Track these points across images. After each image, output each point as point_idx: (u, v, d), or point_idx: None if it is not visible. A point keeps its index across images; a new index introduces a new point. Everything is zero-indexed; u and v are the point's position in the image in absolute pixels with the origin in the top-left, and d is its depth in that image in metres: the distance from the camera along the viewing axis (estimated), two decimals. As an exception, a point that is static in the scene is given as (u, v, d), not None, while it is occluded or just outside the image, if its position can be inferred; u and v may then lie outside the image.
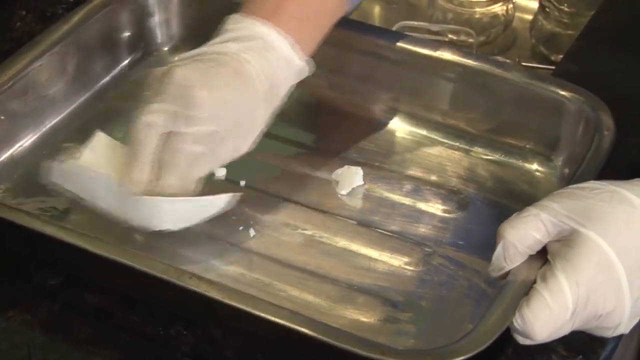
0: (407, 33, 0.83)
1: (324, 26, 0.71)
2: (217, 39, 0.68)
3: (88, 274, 0.67)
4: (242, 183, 0.75)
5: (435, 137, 0.78)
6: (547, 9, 0.99)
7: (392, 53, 0.78)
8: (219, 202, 0.68)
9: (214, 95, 0.65)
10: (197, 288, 0.61)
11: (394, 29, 0.93)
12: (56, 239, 0.64)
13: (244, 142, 0.67)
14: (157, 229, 0.66)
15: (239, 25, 0.68)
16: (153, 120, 0.64)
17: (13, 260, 0.68)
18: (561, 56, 0.87)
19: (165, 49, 0.86)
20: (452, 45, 0.77)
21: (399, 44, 0.77)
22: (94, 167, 0.67)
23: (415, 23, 0.96)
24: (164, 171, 0.65)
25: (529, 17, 1.02)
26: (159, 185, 0.65)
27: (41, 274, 0.68)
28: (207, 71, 0.65)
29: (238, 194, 0.69)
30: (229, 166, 0.72)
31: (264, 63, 0.67)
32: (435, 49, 0.77)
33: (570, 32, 0.95)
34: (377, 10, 1.04)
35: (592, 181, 0.61)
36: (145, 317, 0.65)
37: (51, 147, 0.76)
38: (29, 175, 0.74)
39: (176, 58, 0.69)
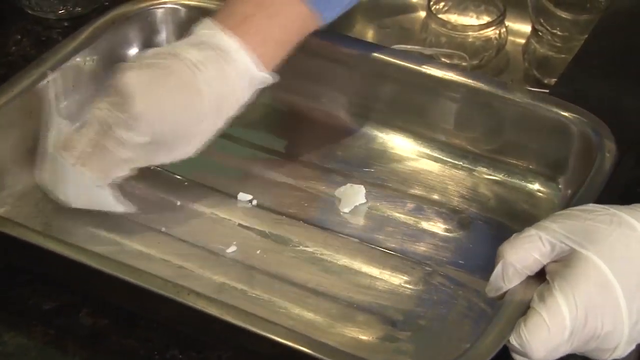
0: (412, 52, 0.82)
1: (290, 41, 0.69)
2: (182, 41, 0.67)
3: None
4: (253, 201, 0.73)
5: (439, 156, 0.76)
6: (540, 33, 0.97)
7: (396, 72, 0.76)
8: (114, 207, 0.68)
9: (153, 109, 0.64)
10: (196, 304, 0.59)
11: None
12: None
13: (181, 151, 0.66)
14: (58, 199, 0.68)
15: (206, 32, 0.67)
16: (97, 113, 0.65)
17: (7, 284, 0.66)
18: (554, 80, 0.86)
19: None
20: (456, 66, 0.76)
21: (403, 63, 0.76)
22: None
23: (409, 46, 0.94)
24: (89, 158, 0.65)
25: (522, 40, 1.01)
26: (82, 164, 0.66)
27: (36, 298, 0.65)
28: (155, 80, 0.64)
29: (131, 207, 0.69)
30: (233, 179, 0.71)
31: (219, 75, 0.65)
32: (439, 68, 0.75)
33: (563, 55, 0.94)
34: (370, 33, 1.02)
35: (592, 204, 0.60)
36: (141, 340, 0.63)
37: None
38: (27, 197, 0.71)
39: (140, 54, 0.69)
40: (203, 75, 0.65)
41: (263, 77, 0.67)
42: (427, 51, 0.94)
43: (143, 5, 0.81)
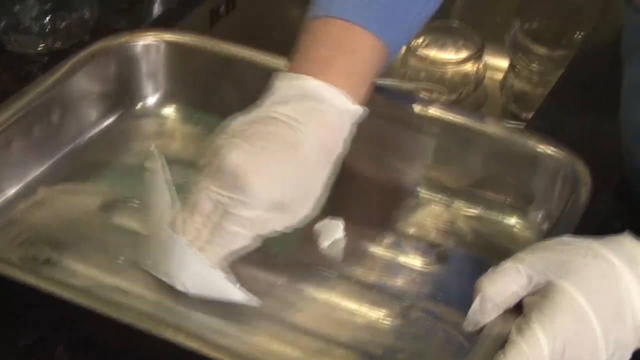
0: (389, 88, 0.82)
1: (371, 75, 0.68)
2: (267, 101, 0.65)
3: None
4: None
5: (417, 191, 0.76)
6: (518, 68, 0.98)
7: (374, 107, 0.73)
8: (236, 296, 0.65)
9: (267, 182, 0.62)
10: (175, 338, 0.58)
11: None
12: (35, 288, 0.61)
13: (302, 211, 0.65)
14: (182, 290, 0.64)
15: (288, 84, 0.65)
16: (211, 195, 0.63)
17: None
18: (531, 114, 0.87)
19: (152, 101, 0.83)
20: (434, 101, 0.76)
21: (381, 98, 0.75)
22: None
23: (389, 81, 0.95)
24: (207, 242, 0.63)
25: (500, 75, 1.02)
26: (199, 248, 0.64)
27: (13, 334, 0.64)
28: (262, 152, 0.62)
29: (255, 301, 0.66)
30: None
31: (317, 125, 0.64)
32: (417, 103, 0.75)
33: (540, 90, 0.95)
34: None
35: (567, 236, 0.60)
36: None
37: (34, 198, 0.73)
38: (11, 226, 0.70)
39: (226, 122, 0.66)
40: (304, 129, 0.63)
41: (357, 110, 0.66)
42: (407, 85, 0.94)
43: (123, 40, 0.80)
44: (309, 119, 0.64)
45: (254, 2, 1.03)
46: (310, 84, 0.65)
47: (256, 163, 0.62)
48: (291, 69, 0.66)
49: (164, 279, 0.65)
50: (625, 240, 0.58)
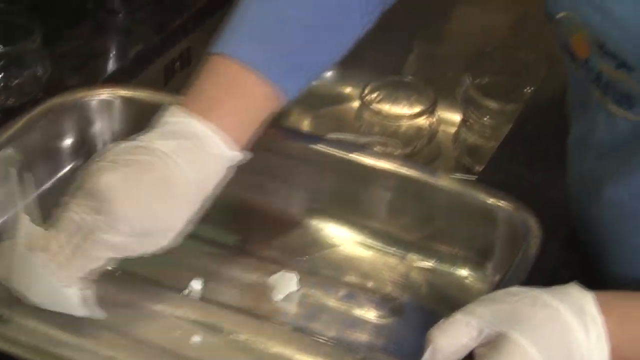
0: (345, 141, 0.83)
1: (259, 120, 0.69)
2: (152, 133, 0.67)
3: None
4: (185, 290, 0.72)
5: (372, 244, 0.76)
6: (469, 122, 1.00)
7: (329, 161, 0.76)
8: (80, 312, 0.66)
9: (133, 208, 0.64)
10: None
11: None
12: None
13: (161, 241, 0.66)
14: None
15: (176, 119, 0.67)
16: (73, 216, 0.64)
17: None
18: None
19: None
20: (388, 154, 0.77)
21: (337, 152, 0.76)
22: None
23: (344, 135, 0.96)
24: (66, 260, 0.64)
25: (453, 129, 1.03)
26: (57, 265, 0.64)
27: None
28: (131, 178, 0.64)
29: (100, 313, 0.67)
30: (163, 267, 0.70)
31: (193, 163, 0.66)
32: (371, 157, 0.76)
33: (492, 143, 0.96)
34: (306, 122, 1.04)
35: (516, 287, 0.60)
36: None
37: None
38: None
39: (109, 147, 0.68)
40: (177, 166, 0.65)
41: (235, 155, 0.68)
42: (362, 139, 0.96)
43: (77, 96, 0.81)
44: (184, 157, 0.65)
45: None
46: (193, 124, 0.66)
47: (124, 190, 0.64)
48: (182, 104, 0.68)
49: (15, 290, 0.66)
50: (573, 290, 0.58)
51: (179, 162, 0.65)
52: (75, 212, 0.64)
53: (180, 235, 0.67)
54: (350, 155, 0.76)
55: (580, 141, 0.70)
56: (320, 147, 0.76)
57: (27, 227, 0.67)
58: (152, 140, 0.66)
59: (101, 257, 0.65)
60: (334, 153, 0.76)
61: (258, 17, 0.70)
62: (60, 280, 0.65)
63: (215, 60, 0.69)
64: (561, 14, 0.62)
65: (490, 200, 0.72)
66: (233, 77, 0.68)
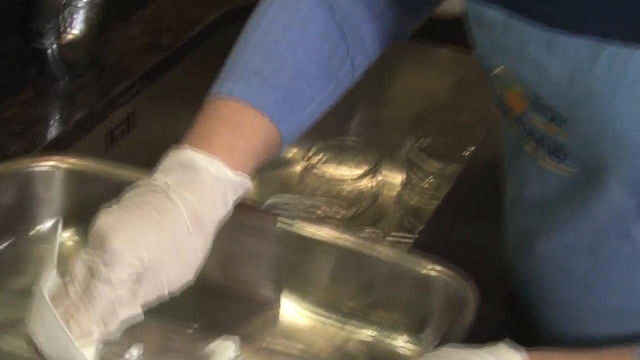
0: (283, 212, 0.83)
1: (257, 151, 0.69)
2: (152, 174, 0.67)
3: None
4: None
5: (312, 312, 0.76)
6: (412, 183, 1.01)
7: (269, 232, 0.76)
8: None
9: (130, 238, 0.63)
10: None
11: (268, 202, 0.93)
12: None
13: (176, 277, 0.65)
14: None
15: (171, 157, 0.67)
16: (81, 259, 0.63)
17: None
18: None
19: (47, 226, 0.82)
20: (328, 224, 0.77)
21: (274, 224, 0.76)
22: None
23: (289, 196, 0.96)
24: (76, 310, 0.62)
25: (396, 190, 1.04)
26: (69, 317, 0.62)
27: None
28: (129, 213, 0.64)
29: None
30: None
31: (190, 192, 0.65)
32: (313, 227, 0.76)
33: (434, 203, 0.97)
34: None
35: (449, 345, 0.61)
36: None
37: None
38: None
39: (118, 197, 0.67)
40: (175, 194, 0.64)
41: (240, 180, 0.67)
42: (306, 201, 0.96)
43: (18, 165, 0.80)
44: (182, 187, 0.65)
45: (150, 123, 1.03)
46: (189, 154, 0.66)
47: (120, 225, 0.63)
48: (180, 143, 0.68)
49: (32, 340, 0.64)
50: (502, 349, 0.59)
51: (177, 192, 0.65)
52: (82, 257, 0.63)
53: (198, 270, 0.65)
54: (292, 227, 0.76)
55: (514, 198, 0.72)
56: (260, 217, 0.77)
57: (50, 278, 0.65)
58: (152, 179, 0.66)
59: (111, 297, 0.62)
60: (275, 224, 0.76)
61: (253, 61, 0.71)
62: (77, 337, 0.62)
63: (211, 101, 0.69)
64: (497, 70, 0.63)
65: (427, 269, 0.73)
66: (229, 112, 0.68)
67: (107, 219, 0.64)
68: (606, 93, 0.57)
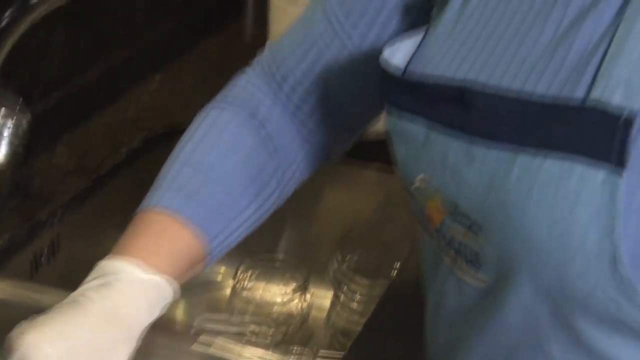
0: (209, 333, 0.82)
1: (179, 259, 0.69)
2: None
3: None
4: None
5: None
6: (341, 300, 1.01)
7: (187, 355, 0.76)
8: None
9: (39, 341, 0.62)
10: None
11: (196, 322, 0.92)
12: None
13: None
14: None
15: (96, 270, 0.67)
16: None
17: None
18: None
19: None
20: (256, 346, 0.77)
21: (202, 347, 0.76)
22: None
23: (217, 316, 0.95)
24: None
25: (325, 307, 1.04)
26: None
27: None
28: (40, 319, 0.63)
29: None
30: None
31: (105, 299, 0.65)
32: (234, 348, 0.76)
33: (363, 319, 0.97)
34: (180, 306, 1.03)
35: None
36: None
37: None
38: None
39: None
40: (91, 302, 0.64)
41: (162, 280, 0.67)
42: (236, 320, 0.95)
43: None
44: (98, 293, 0.65)
45: (76, 246, 1.03)
46: (110, 262, 0.67)
47: (34, 325, 0.62)
48: (108, 257, 0.68)
49: None
50: None
51: (92, 297, 0.64)
52: None
53: None
54: (209, 348, 0.76)
55: (434, 310, 0.72)
56: (176, 338, 0.76)
57: None
58: (75, 293, 0.66)
59: None
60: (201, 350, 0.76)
61: (181, 176, 0.72)
62: None
63: (138, 214, 0.70)
64: (417, 183, 0.65)
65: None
66: (154, 220, 0.69)
67: (21, 327, 0.63)
68: (519, 200, 0.59)
